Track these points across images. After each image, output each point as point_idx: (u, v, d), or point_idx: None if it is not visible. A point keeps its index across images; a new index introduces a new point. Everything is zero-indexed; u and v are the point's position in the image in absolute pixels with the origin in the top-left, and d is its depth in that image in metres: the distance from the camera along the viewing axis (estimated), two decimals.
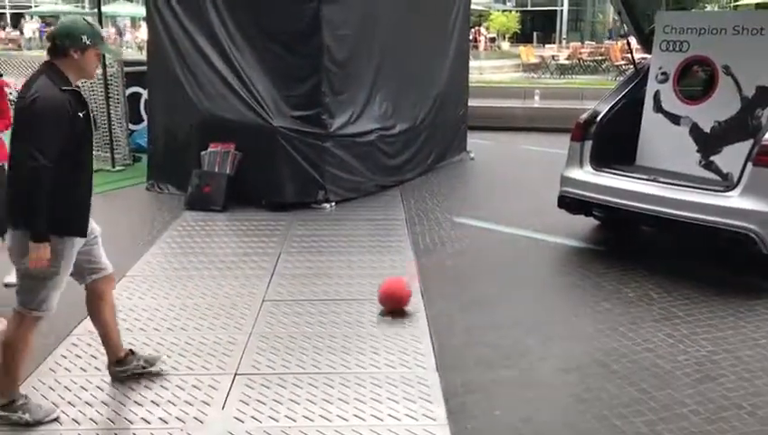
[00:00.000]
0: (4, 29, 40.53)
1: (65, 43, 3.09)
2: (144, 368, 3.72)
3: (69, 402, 3.49)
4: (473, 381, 3.78)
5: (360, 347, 4.11)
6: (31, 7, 45.06)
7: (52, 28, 3.30)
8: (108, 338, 3.66)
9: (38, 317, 3.25)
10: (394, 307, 4.58)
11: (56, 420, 3.34)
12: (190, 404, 3.48)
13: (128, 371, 3.69)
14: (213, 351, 4.03)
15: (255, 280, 5.15)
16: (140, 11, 23.24)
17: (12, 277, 5.07)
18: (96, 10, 9.37)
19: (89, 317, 3.68)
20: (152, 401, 3.51)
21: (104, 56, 8.87)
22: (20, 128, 3.08)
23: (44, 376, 3.75)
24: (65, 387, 3.63)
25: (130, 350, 3.74)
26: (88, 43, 3.10)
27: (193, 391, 3.60)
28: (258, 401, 3.52)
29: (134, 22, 36.02)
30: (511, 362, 4.02)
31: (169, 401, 3.50)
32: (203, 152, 7.20)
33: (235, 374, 3.78)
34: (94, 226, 3.42)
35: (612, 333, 4.36)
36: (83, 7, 46.66)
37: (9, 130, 4.90)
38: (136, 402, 3.51)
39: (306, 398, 3.55)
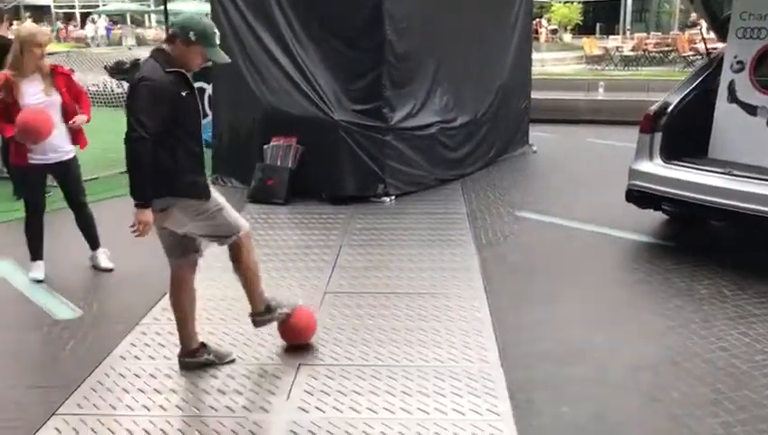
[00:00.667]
0: (66, 28, 41.92)
1: (176, 31, 3.37)
2: (212, 363, 3.78)
3: (139, 389, 3.58)
4: (538, 377, 3.71)
5: (421, 340, 4.08)
6: (99, 6, 46.51)
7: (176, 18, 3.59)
8: (184, 324, 3.75)
9: (247, 233, 3.68)
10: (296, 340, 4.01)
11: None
12: (256, 393, 3.52)
13: (197, 362, 3.76)
14: (277, 341, 4.06)
15: (317, 272, 5.18)
16: (205, 8, 23.67)
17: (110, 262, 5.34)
18: (162, 7, 9.57)
19: (170, 300, 3.79)
20: (219, 390, 3.56)
21: None
22: (128, 106, 3.32)
23: (115, 363, 3.86)
24: (135, 374, 3.72)
25: (202, 343, 3.81)
26: (193, 39, 3.33)
27: (259, 381, 3.64)
28: (322, 391, 3.53)
29: None
30: (577, 358, 3.93)
31: (236, 390, 3.55)
32: (266, 146, 7.28)
33: (299, 365, 3.80)
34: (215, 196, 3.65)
35: (684, 331, 4.21)
36: (149, 5, 47.90)
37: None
38: (204, 391, 3.57)
39: (369, 390, 3.54)
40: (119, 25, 41.68)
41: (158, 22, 41.80)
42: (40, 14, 46.61)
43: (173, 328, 3.84)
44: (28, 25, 5.51)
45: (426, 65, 7.48)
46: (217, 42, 3.43)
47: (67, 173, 5.14)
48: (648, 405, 3.47)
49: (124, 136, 3.27)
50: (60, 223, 5.58)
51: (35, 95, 4.84)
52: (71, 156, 5.12)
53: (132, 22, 46.52)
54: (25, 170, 5.01)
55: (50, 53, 5.88)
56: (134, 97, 3.28)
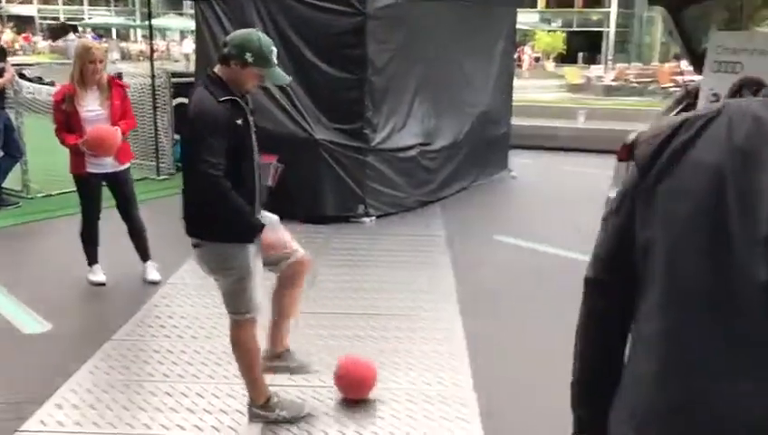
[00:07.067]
0: (45, 39, 41.91)
1: (232, 52, 3.10)
2: (293, 370, 3.63)
3: (106, 406, 3.51)
4: (511, 402, 3.70)
5: (395, 362, 4.06)
6: (84, 19, 46.44)
7: (229, 36, 3.27)
8: (276, 326, 3.53)
9: (253, 318, 3.28)
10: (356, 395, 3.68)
11: (308, 415, 3.42)
12: (225, 413, 3.47)
13: (278, 368, 3.59)
14: None
15: None
16: (189, 24, 23.75)
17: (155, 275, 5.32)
18: (147, 23, 9.57)
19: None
20: (188, 409, 3.51)
21: (152, 64, 9.07)
22: (190, 142, 3.16)
23: (83, 379, 3.79)
24: (102, 390, 3.66)
25: (288, 348, 3.61)
26: (249, 60, 3.09)
27: (228, 400, 3.59)
28: None
29: (182, 35, 36.92)
30: (552, 385, 3.89)
31: (204, 410, 3.50)
32: None
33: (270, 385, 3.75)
34: (270, 217, 3.44)
35: None
36: (135, 20, 47.90)
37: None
38: (172, 409, 3.51)
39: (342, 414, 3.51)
40: (104, 39, 41.68)
41: (144, 36, 41.79)
42: (24, 24, 46.43)
43: (145, 344, 3.80)
44: (84, 40, 5.63)
45: (407, 88, 7.53)
46: (275, 61, 3.18)
47: (121, 183, 5.23)
48: None
49: (193, 177, 3.14)
50: (36, 237, 5.50)
51: (93, 106, 4.97)
52: (125, 166, 5.23)
53: (117, 36, 46.47)
54: (84, 179, 5.10)
55: (32, 64, 5.89)
56: (195, 134, 3.08)
